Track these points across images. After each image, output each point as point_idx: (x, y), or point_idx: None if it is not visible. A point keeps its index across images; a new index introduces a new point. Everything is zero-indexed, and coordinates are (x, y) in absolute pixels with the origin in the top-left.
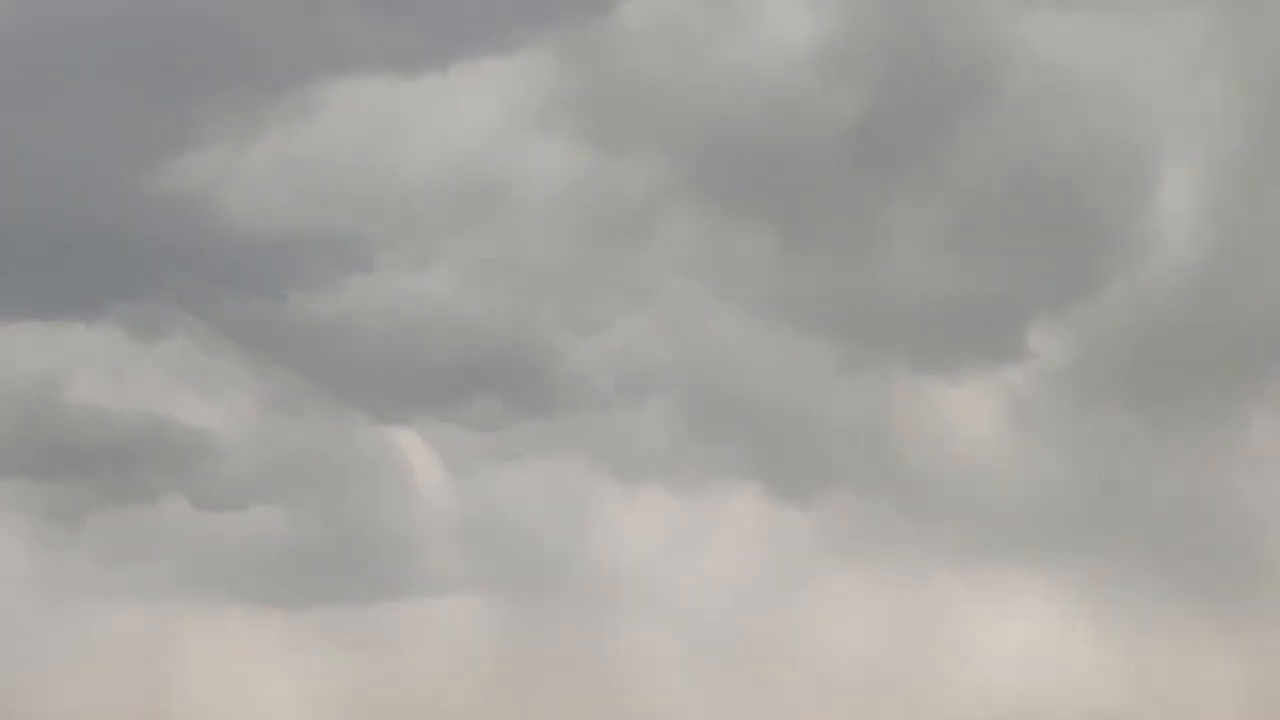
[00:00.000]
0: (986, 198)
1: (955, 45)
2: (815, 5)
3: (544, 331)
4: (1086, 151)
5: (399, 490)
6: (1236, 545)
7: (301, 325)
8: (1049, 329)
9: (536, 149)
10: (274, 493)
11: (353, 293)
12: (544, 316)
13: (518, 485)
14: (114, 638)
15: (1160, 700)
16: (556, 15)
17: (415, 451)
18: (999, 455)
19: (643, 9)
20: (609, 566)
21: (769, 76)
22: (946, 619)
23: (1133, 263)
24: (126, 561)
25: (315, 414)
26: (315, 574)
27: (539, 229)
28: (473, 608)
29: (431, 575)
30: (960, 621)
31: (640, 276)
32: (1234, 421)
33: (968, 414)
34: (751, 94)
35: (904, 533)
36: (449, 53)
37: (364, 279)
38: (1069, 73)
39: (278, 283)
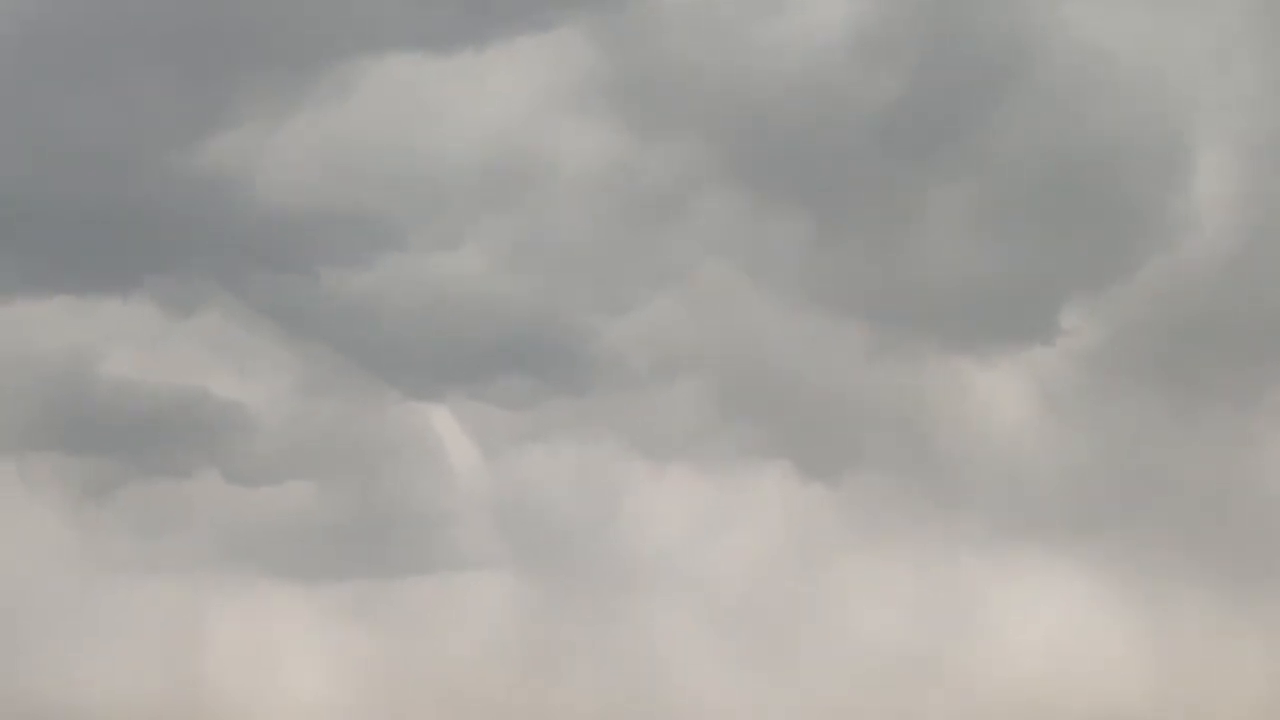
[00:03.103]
0: (1021, 181)
1: (990, 29)
2: None
3: (576, 311)
4: (1122, 135)
5: (430, 467)
6: (1267, 529)
7: (334, 302)
8: (1081, 311)
9: (570, 129)
10: (306, 468)
11: (386, 270)
12: (576, 296)
13: (548, 463)
14: (144, 612)
15: (1189, 685)
16: None
17: (447, 429)
18: (1029, 437)
19: None
20: (638, 545)
21: (804, 59)
22: (974, 601)
23: (1167, 245)
24: (158, 535)
25: (347, 390)
26: (346, 549)
27: (572, 209)
28: (502, 584)
29: (462, 552)
30: (988, 604)
31: (673, 258)
32: (1266, 405)
33: (998, 395)
34: (786, 77)
35: (932, 514)
36: (484, 32)
37: (397, 257)
38: (1104, 56)
39: (311, 260)
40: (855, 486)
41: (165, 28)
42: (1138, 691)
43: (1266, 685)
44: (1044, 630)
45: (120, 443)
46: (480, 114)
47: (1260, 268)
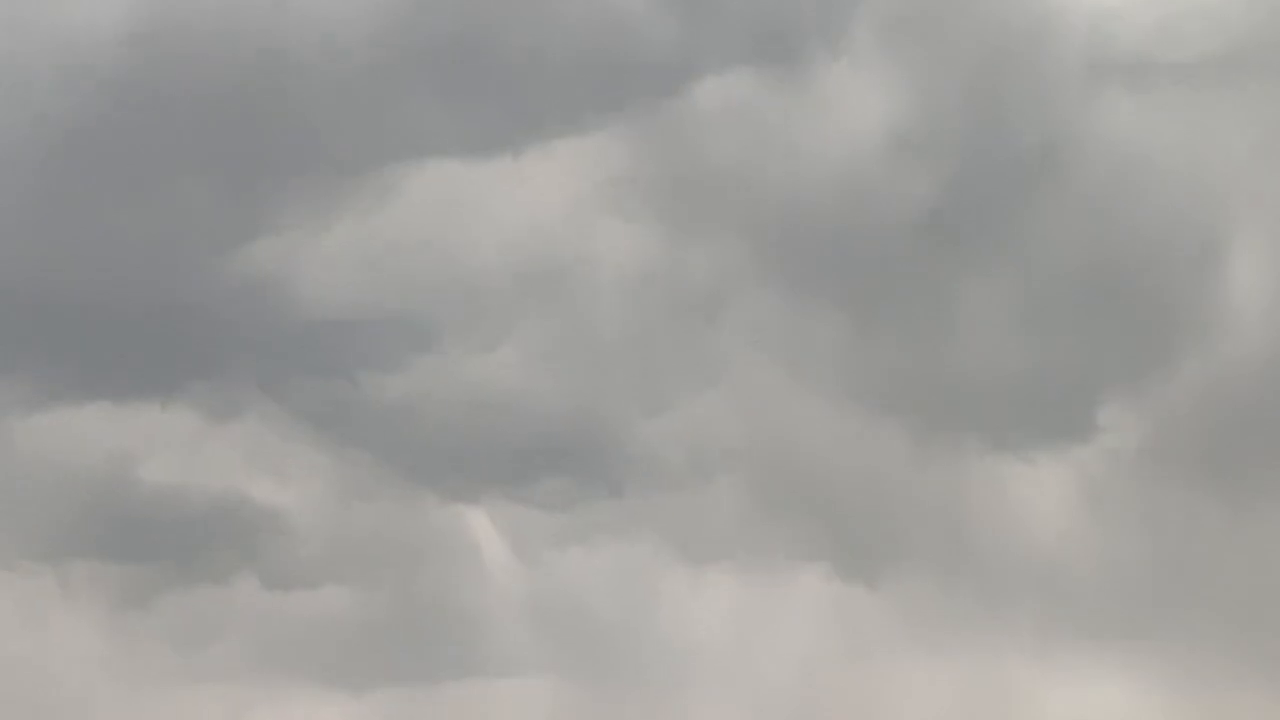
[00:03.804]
0: (1058, 278)
1: (1027, 127)
2: (887, 89)
3: (613, 411)
4: (1158, 231)
5: (467, 570)
6: None
7: (372, 405)
8: (1120, 408)
9: (607, 230)
10: (343, 573)
11: (423, 373)
12: (614, 396)
13: (586, 565)
14: None
15: None
16: (628, 98)
17: (484, 531)
18: (1071, 536)
19: (714, 91)
20: (677, 648)
21: (841, 159)
22: (1019, 704)
23: (1204, 342)
24: (196, 643)
25: (385, 494)
26: (383, 654)
27: (609, 310)
28: (543, 688)
29: (500, 656)
30: (1033, 706)
31: (710, 356)
32: None
33: (1039, 494)
34: (824, 177)
35: (974, 615)
36: (521, 137)
37: (434, 360)
38: (1140, 153)
39: (349, 364)
40: (896, 587)
41: (207, 134)
42: None
43: None
44: None
45: (158, 549)
46: (518, 217)
47: None
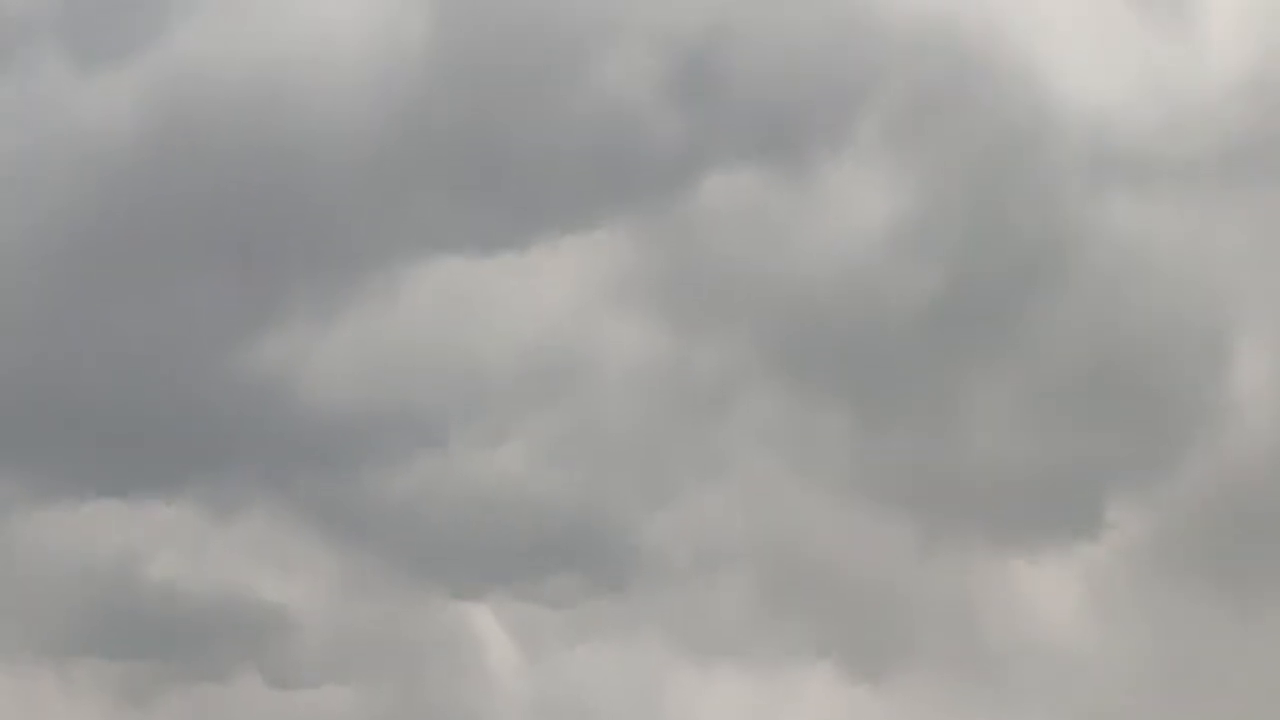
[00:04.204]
0: (1063, 372)
1: (1030, 221)
2: (891, 186)
3: (619, 507)
4: (1163, 327)
5: (472, 669)
6: None
7: (377, 502)
8: (1128, 504)
9: (613, 326)
10: (348, 671)
11: (428, 470)
12: (619, 492)
13: (591, 663)
14: None
15: None
16: (635, 194)
17: (488, 629)
18: (1079, 634)
19: (720, 188)
20: None
21: (845, 255)
22: None
23: (1211, 438)
24: None
25: (390, 591)
26: None
27: (616, 406)
28: None
29: None
30: None
31: (716, 452)
32: None
33: (1046, 592)
34: (828, 272)
35: (982, 711)
36: (527, 232)
37: (440, 456)
38: (1143, 246)
39: (354, 460)
40: (903, 685)
41: (214, 230)
42: None
43: None
44: None
45: (160, 646)
46: (524, 313)
47: None
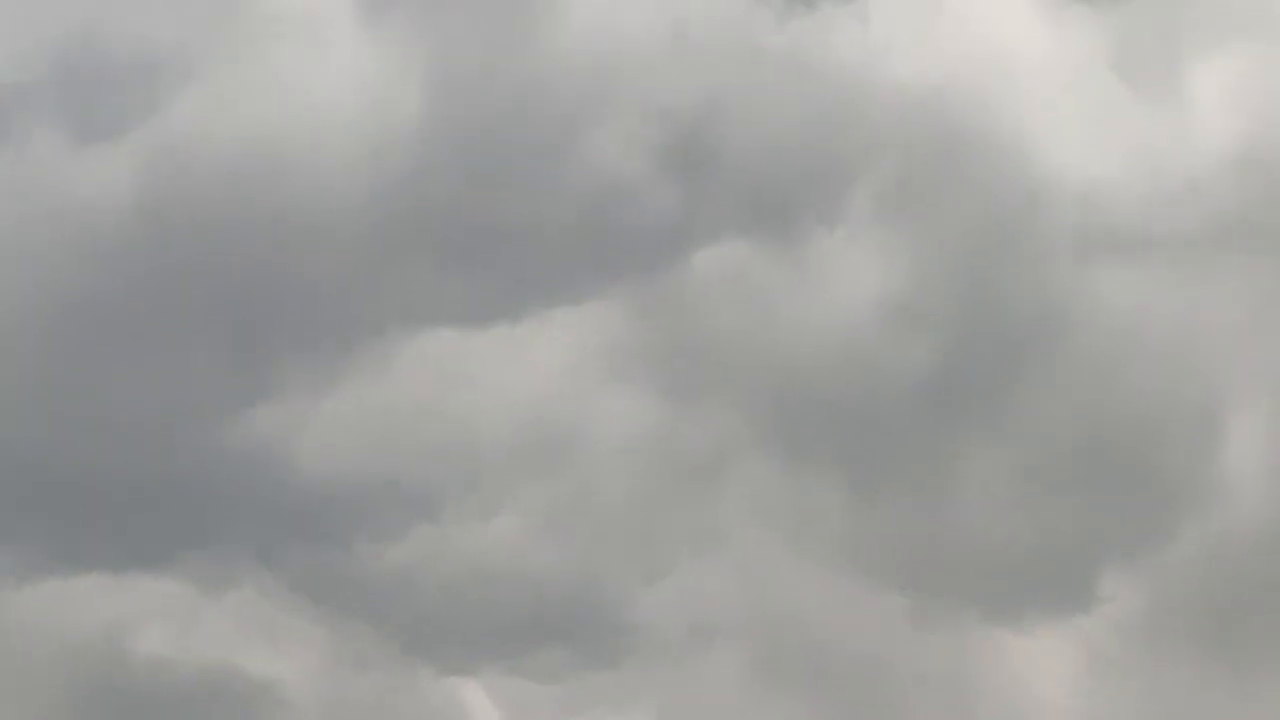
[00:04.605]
0: (1054, 448)
1: (1022, 295)
2: (883, 260)
3: (612, 579)
4: (1154, 401)
5: None
6: None
7: (369, 576)
8: (1121, 578)
9: (606, 397)
10: None
11: (420, 543)
12: (611, 565)
13: None
14: None
15: None
16: (628, 266)
17: (479, 705)
18: (1073, 707)
19: (713, 261)
20: None
21: (837, 328)
22: None
23: (1203, 511)
24: None
25: (381, 666)
26: None
27: (608, 477)
28: None
29: None
30: None
31: (710, 525)
32: None
33: (1040, 665)
34: (820, 345)
35: None
36: (519, 306)
37: (432, 529)
38: (1134, 325)
39: (346, 533)
40: None
41: (206, 302)
42: None
43: None
44: None
45: None
46: (516, 385)
47: None
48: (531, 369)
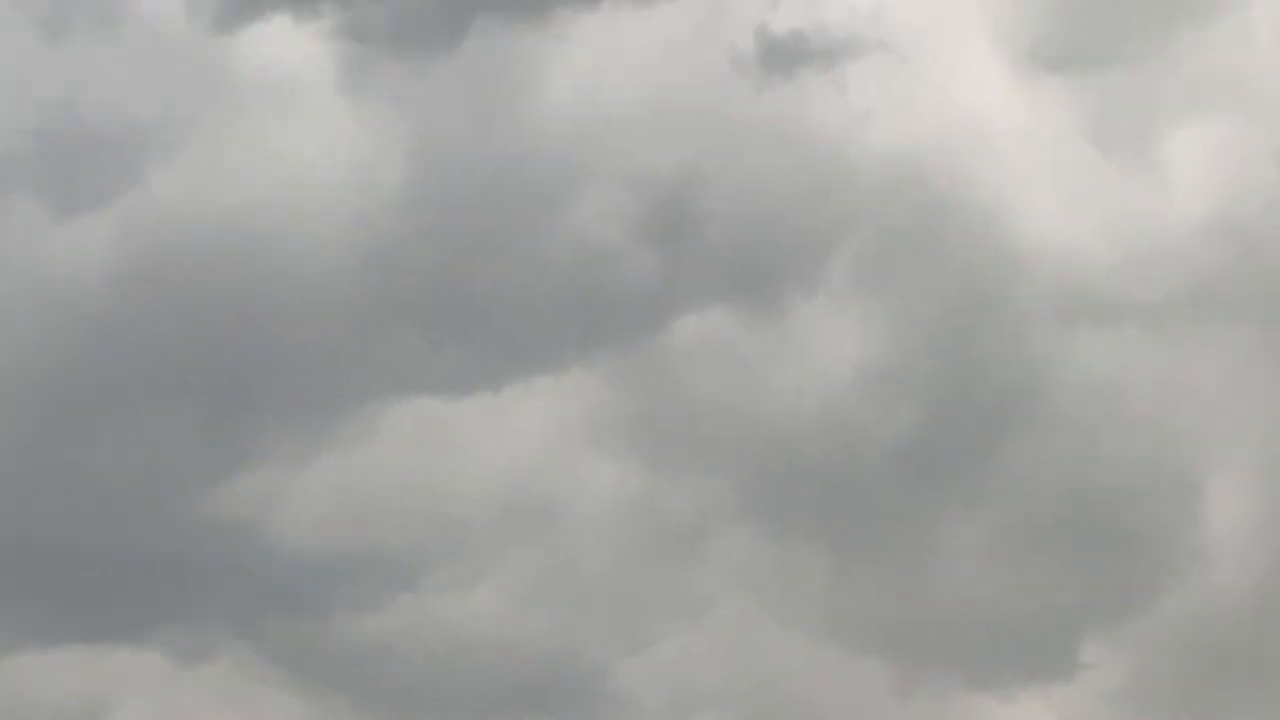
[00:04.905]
0: (1035, 513)
1: (1000, 363)
2: (864, 327)
3: (594, 649)
4: (1134, 467)
5: None
6: None
7: (348, 646)
8: (1101, 646)
9: (588, 465)
10: None
11: (400, 613)
12: (593, 634)
13: None
14: None
15: None
16: (609, 334)
17: None
18: None
19: (693, 329)
20: None
21: (818, 395)
22: None
23: (1185, 577)
24: None
25: None
26: None
27: (590, 546)
28: None
29: None
30: None
31: (692, 593)
32: None
33: None
34: (801, 413)
35: None
36: (501, 372)
37: (411, 598)
38: (1112, 390)
39: (325, 604)
40: None
41: (185, 372)
42: None
43: None
44: None
45: None
46: (498, 453)
47: (1278, 598)
48: (513, 437)
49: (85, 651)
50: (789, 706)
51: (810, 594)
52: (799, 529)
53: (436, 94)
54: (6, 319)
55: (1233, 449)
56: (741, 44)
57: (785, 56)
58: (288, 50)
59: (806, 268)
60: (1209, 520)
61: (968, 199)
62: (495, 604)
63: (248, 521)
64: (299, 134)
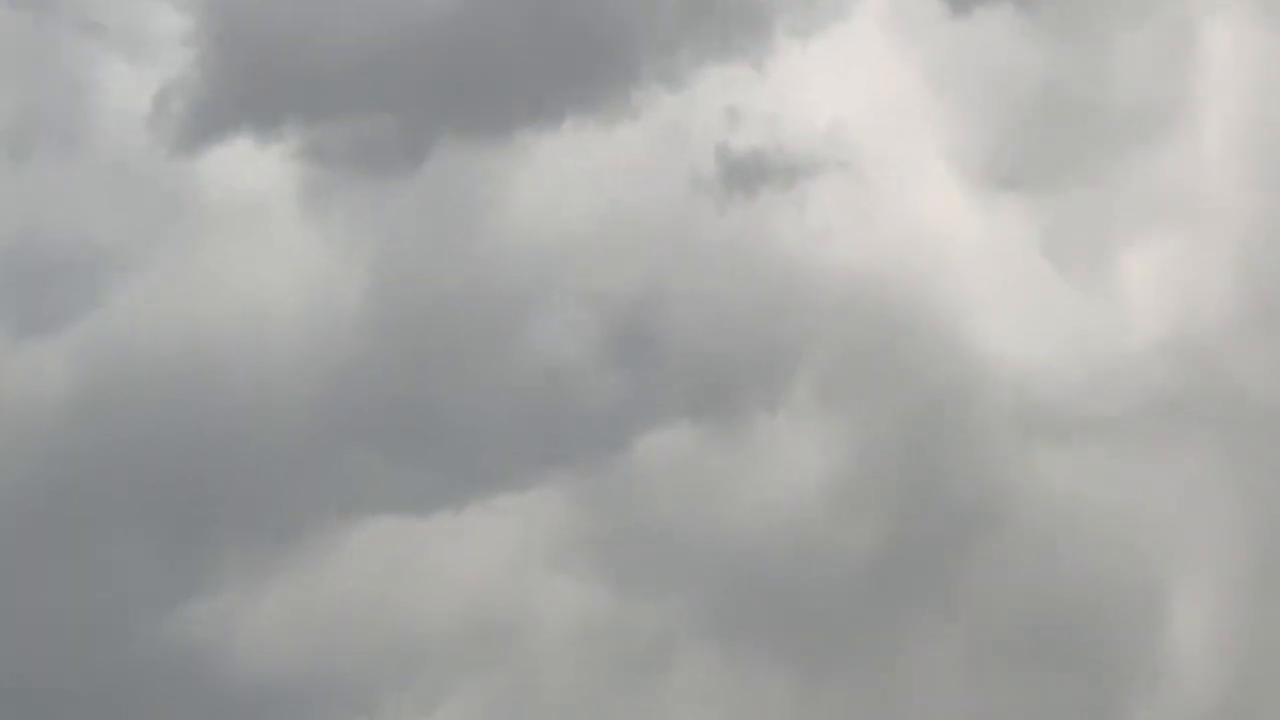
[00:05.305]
0: (1000, 629)
1: (962, 479)
2: (826, 443)
3: None
4: (1096, 584)
5: None
6: None
7: None
8: None
9: (550, 585)
10: None
11: None
12: None
13: None
14: None
15: None
16: (571, 452)
17: None
18: None
19: (656, 446)
20: None
21: (782, 512)
22: None
23: (1147, 695)
24: None
25: None
26: None
27: (552, 668)
28: None
29: None
30: None
31: (656, 715)
32: None
33: None
34: (765, 530)
35: None
36: (462, 492)
37: None
38: (1074, 506)
39: None
40: None
41: (143, 497)
42: None
43: None
44: None
45: None
46: (459, 574)
47: (1244, 712)
48: (475, 557)
49: None
50: None
51: (776, 713)
52: (764, 647)
53: (398, 214)
54: None
55: (1196, 565)
56: (702, 163)
57: (745, 176)
58: (249, 172)
59: (769, 384)
60: (1173, 634)
61: (927, 315)
62: None
63: (204, 647)
64: (260, 255)
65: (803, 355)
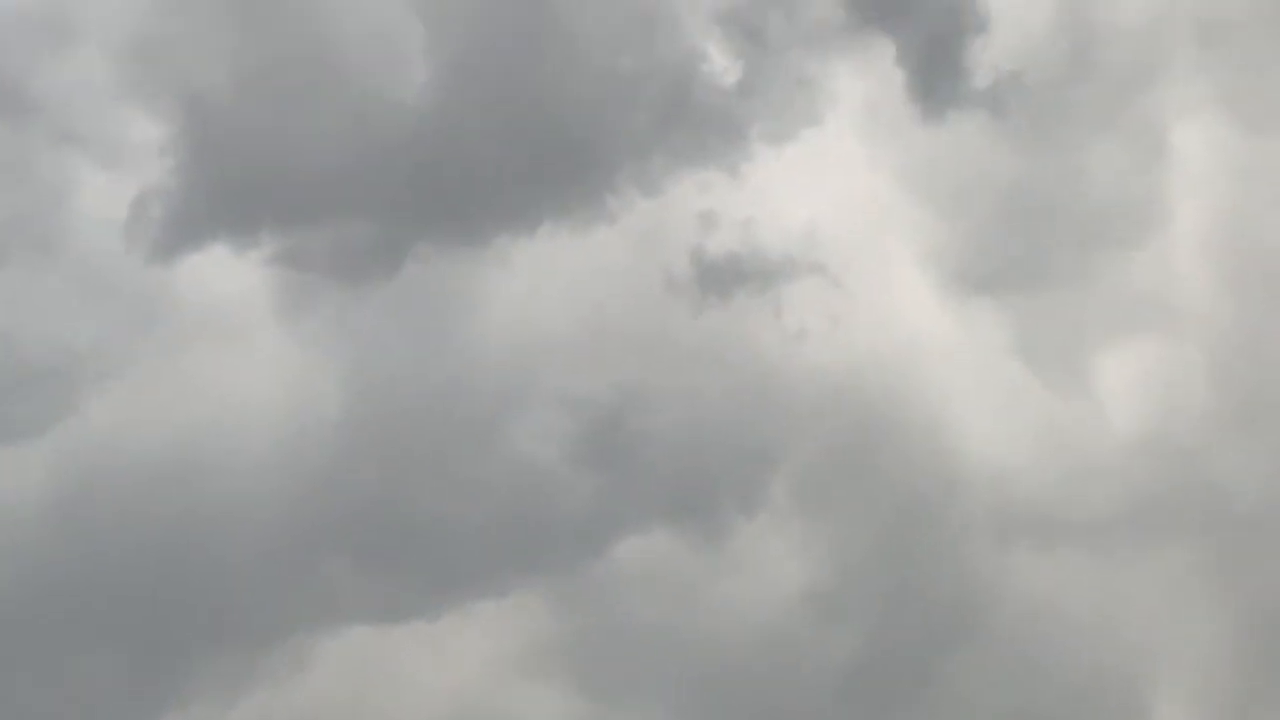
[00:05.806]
0: None
1: (940, 582)
2: (804, 547)
3: None
4: (1078, 684)
5: None
6: None
7: None
8: None
9: (527, 692)
10: None
11: None
12: None
13: None
14: None
15: None
16: (547, 558)
17: None
18: None
19: (633, 551)
20: None
21: (761, 617)
22: None
23: None
24: None
25: None
26: None
27: None
28: None
29: None
30: None
31: None
32: None
33: None
34: (743, 635)
35: None
36: (439, 599)
37: None
38: (1055, 606)
39: None
40: None
41: (117, 605)
42: None
43: None
44: None
45: None
46: (435, 681)
47: None
48: (450, 665)
49: None
50: None
51: None
52: None
53: (374, 319)
54: None
55: (1176, 667)
56: (678, 267)
57: (721, 279)
58: (225, 278)
59: (746, 487)
60: None
61: (904, 416)
62: None
63: None
64: (235, 362)
65: (780, 458)
